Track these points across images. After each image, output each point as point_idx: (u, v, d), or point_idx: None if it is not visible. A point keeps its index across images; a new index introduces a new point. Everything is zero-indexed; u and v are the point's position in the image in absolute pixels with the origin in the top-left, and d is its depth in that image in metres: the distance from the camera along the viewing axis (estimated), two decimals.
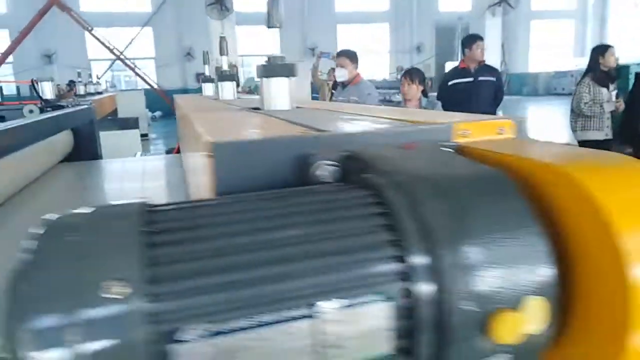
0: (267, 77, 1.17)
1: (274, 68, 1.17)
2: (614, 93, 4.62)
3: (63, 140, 2.79)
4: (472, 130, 0.68)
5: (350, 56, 4.31)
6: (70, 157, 2.86)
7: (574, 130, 4.73)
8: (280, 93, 1.18)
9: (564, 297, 0.50)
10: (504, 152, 0.58)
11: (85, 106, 3.10)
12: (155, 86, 14.04)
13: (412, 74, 4.03)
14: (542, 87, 21.50)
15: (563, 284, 0.49)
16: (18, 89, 16.49)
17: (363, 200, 0.47)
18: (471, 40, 4.63)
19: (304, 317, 0.40)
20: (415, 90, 3.92)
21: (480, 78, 4.62)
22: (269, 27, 1.16)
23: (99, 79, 10.09)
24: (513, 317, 0.43)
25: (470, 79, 4.62)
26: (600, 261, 0.45)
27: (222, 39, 2.05)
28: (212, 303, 0.38)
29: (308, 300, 0.40)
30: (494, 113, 5.15)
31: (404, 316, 0.43)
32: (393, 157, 0.55)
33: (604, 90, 4.54)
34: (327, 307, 0.41)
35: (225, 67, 2.12)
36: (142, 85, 15.10)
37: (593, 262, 0.46)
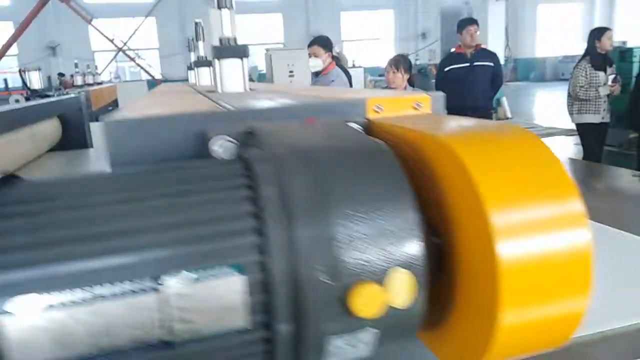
0: (219, 58, 1.16)
1: (226, 49, 1.16)
2: (611, 77, 4.54)
3: (50, 130, 2.80)
4: (386, 105, 0.66)
5: (323, 44, 4.08)
6: (59, 147, 2.87)
7: (570, 113, 4.66)
8: (233, 75, 1.16)
9: (445, 272, 0.48)
10: (404, 126, 0.57)
11: (73, 95, 3.11)
12: (158, 76, 14.04)
13: (397, 61, 3.88)
14: (549, 72, 21.20)
15: (442, 258, 0.48)
16: (24, 80, 16.49)
17: (232, 173, 0.46)
18: (461, 25, 4.57)
19: (150, 290, 0.39)
20: (400, 78, 3.81)
21: (477, 63, 4.55)
22: (219, 8, 1.15)
23: (97, 70, 10.08)
24: (374, 290, 0.41)
25: (466, 64, 4.55)
26: (473, 237, 0.44)
27: (197, 24, 2.04)
28: (46, 276, 0.37)
29: (154, 273, 0.40)
30: (491, 99, 5.07)
31: (260, 290, 0.42)
32: (282, 132, 0.54)
33: (601, 73, 4.46)
34: (175, 280, 0.40)
35: (201, 53, 2.10)
36: (147, 76, 15.12)
37: (468, 238, 0.45)
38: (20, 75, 3.08)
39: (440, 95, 0.69)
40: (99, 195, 0.43)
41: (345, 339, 0.43)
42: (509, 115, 8.78)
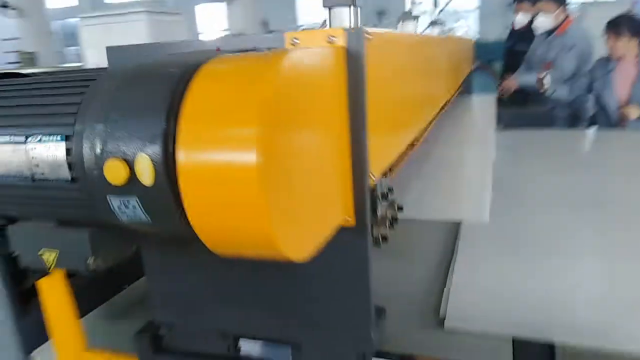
0: (329, 7, 1.28)
1: None
2: None
3: None
4: (302, 39, 0.72)
5: None
6: None
7: None
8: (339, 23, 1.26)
9: None
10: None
11: None
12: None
13: (617, 24, 2.96)
14: None
15: None
16: None
17: (94, 77, 0.66)
18: None
19: (21, 143, 0.64)
20: (623, 46, 2.94)
21: None
22: None
23: None
24: (117, 165, 0.56)
25: None
26: None
27: None
28: None
29: (25, 133, 0.64)
30: None
31: (74, 154, 0.62)
32: (168, 58, 0.69)
33: None
34: (31, 138, 0.64)
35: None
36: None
37: None
38: None
39: (360, 29, 0.70)
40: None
41: (119, 199, 0.59)
42: None
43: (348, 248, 0.76)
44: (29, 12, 9.66)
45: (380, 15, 15.92)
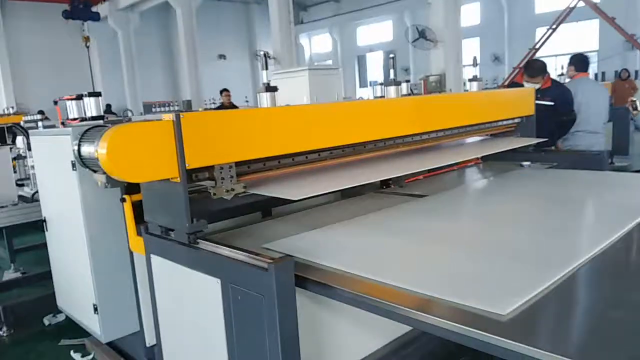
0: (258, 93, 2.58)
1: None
2: None
3: None
4: (165, 117, 2.11)
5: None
6: None
7: None
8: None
9: None
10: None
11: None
12: None
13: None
14: None
15: None
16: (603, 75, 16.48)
17: None
18: None
19: None
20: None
21: None
22: None
23: None
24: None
25: None
26: None
27: None
28: None
29: None
30: None
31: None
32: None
33: None
34: None
35: None
36: None
37: None
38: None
39: (179, 117, 2.06)
40: None
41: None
42: None
43: (177, 189, 2.11)
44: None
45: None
